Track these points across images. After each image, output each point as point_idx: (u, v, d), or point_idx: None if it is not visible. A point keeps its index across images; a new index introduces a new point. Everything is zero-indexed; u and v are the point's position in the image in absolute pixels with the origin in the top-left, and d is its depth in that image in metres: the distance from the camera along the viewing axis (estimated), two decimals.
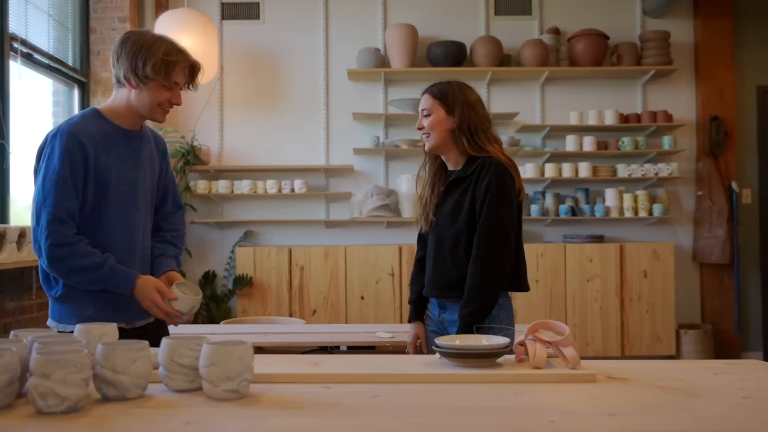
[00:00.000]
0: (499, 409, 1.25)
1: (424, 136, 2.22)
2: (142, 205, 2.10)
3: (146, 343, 1.33)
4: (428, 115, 2.19)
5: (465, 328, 2.02)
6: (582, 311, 5.06)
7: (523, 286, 2.16)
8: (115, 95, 2.08)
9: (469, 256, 2.09)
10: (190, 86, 2.12)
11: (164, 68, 1.98)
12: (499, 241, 2.05)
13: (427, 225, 2.25)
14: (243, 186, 5.20)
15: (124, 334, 2.02)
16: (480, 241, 2.05)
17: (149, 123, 2.28)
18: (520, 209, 2.14)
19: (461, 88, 2.20)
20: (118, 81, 2.04)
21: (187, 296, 2.01)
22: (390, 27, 5.29)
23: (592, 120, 5.28)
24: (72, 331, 1.91)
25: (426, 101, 2.22)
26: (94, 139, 1.99)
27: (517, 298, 4.94)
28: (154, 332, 2.12)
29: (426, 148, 2.23)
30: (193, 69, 2.09)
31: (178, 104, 2.09)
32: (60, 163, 1.93)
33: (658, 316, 5.09)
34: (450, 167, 2.22)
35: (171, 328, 2.55)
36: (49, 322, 2.05)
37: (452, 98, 2.17)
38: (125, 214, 2.05)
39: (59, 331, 2.00)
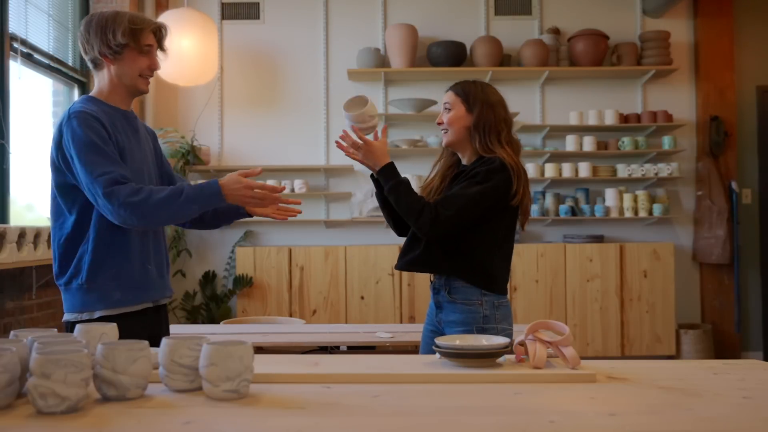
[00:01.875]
0: (499, 409, 1.25)
1: (442, 131, 2.24)
2: (148, 181, 2.10)
3: (146, 343, 1.33)
4: (449, 110, 2.22)
5: (387, 174, 2.11)
6: (582, 311, 5.07)
7: (498, 290, 2.15)
8: (98, 81, 2.10)
9: (442, 243, 2.10)
10: (162, 49, 2.16)
11: (132, 34, 2.02)
12: (448, 207, 2.04)
13: None
14: None
15: (151, 313, 2.07)
16: (438, 202, 2.06)
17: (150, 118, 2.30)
18: (516, 213, 2.14)
19: (484, 87, 2.22)
20: (95, 63, 2.06)
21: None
22: (390, 27, 5.29)
23: (592, 120, 5.28)
24: (97, 319, 1.94)
25: (448, 96, 2.24)
26: (103, 118, 2.00)
27: (517, 298, 4.94)
28: (164, 313, 2.19)
29: (443, 143, 2.26)
30: (160, 30, 2.13)
31: (157, 68, 2.12)
32: (88, 136, 1.91)
33: (658, 316, 5.09)
34: (463, 163, 2.25)
35: (175, 329, 2.55)
36: (67, 315, 2.00)
37: (473, 96, 2.18)
38: None
39: (82, 321, 1.96)
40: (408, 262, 2.18)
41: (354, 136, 2.17)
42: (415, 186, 5.07)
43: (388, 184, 2.12)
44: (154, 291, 2.08)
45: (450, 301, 2.14)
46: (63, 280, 2.00)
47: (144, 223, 1.94)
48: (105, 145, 1.93)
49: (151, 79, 2.16)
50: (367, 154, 2.16)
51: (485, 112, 2.15)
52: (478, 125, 2.15)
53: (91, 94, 2.11)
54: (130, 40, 2.02)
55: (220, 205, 2.00)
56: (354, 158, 2.18)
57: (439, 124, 2.24)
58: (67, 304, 2.02)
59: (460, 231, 2.08)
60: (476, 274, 2.11)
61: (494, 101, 2.18)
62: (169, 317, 2.29)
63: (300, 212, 2.17)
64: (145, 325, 1.99)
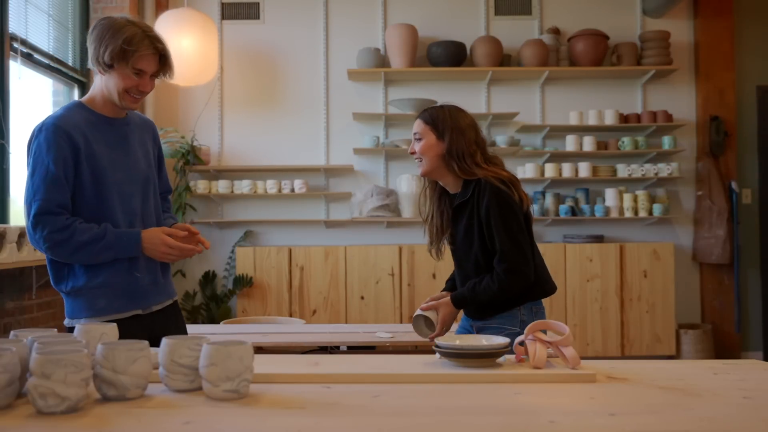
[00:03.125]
0: (499, 409, 1.25)
1: (416, 160, 2.23)
2: (138, 191, 2.09)
3: (146, 343, 1.33)
4: (420, 140, 2.20)
5: (460, 302, 2.14)
6: (582, 311, 5.07)
7: (551, 288, 2.19)
8: (94, 84, 2.09)
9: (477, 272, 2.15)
10: (165, 75, 2.09)
11: (122, 56, 1.96)
12: (519, 257, 2.07)
13: (438, 253, 2.29)
14: (243, 186, 5.20)
15: (141, 320, 2.06)
16: (500, 259, 2.07)
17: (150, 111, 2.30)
18: (528, 217, 2.15)
19: (453, 112, 2.20)
20: (93, 68, 2.05)
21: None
22: (390, 27, 5.29)
23: (592, 120, 5.28)
24: None
25: (417, 125, 2.22)
26: (81, 130, 1.98)
27: None
28: (171, 314, 2.18)
29: (420, 173, 2.24)
30: (162, 58, 2.05)
31: (147, 92, 2.06)
32: (49, 157, 1.92)
33: (658, 316, 5.09)
34: (450, 191, 2.23)
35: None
36: (66, 321, 2.06)
37: (442, 123, 2.17)
38: (123, 200, 2.05)
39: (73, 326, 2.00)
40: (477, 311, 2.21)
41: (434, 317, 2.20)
42: (415, 187, 5.08)
43: (469, 303, 2.16)
44: (144, 299, 2.07)
45: (483, 319, 2.17)
46: (57, 286, 2.05)
47: (61, 259, 1.99)
48: (63, 168, 1.93)
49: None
50: (448, 318, 2.19)
51: (456, 138, 2.14)
52: (451, 152, 2.14)
53: (82, 99, 2.11)
54: (118, 62, 1.96)
55: (137, 255, 2.03)
56: (447, 325, 2.21)
57: (412, 153, 2.22)
58: (65, 310, 2.07)
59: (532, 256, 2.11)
60: None
61: (463, 125, 2.17)
62: (182, 316, 2.29)
63: (201, 251, 2.17)
64: (132, 332, 1.91)
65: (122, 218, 2.04)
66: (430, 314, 2.17)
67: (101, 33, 1.98)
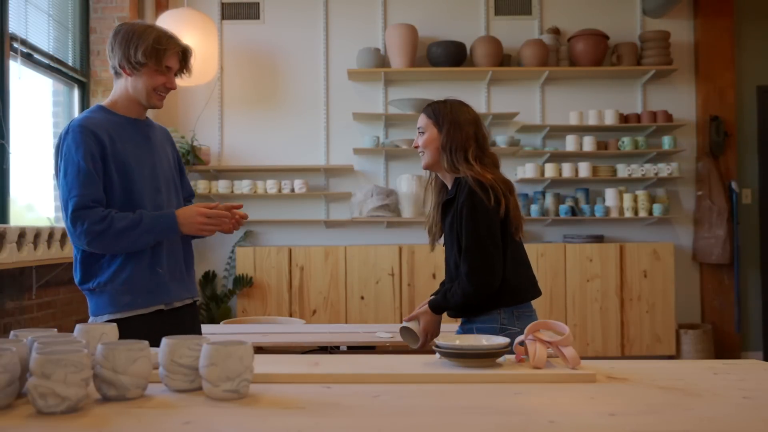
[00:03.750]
0: (499, 409, 1.25)
1: (420, 153, 2.26)
2: (164, 187, 2.17)
3: (146, 343, 1.33)
4: (423, 133, 2.23)
5: (437, 307, 2.17)
6: (582, 311, 5.07)
7: (528, 295, 2.17)
8: (115, 88, 2.15)
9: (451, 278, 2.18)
10: (184, 71, 2.19)
11: (155, 54, 2.06)
12: (482, 261, 2.06)
13: (433, 246, 2.33)
14: (243, 186, 5.20)
15: (163, 316, 2.10)
16: (463, 260, 2.09)
17: (150, 115, 2.34)
18: (506, 223, 2.11)
19: (455, 106, 2.22)
20: (116, 71, 2.12)
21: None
22: (390, 27, 5.29)
23: (592, 120, 5.28)
24: (109, 322, 2.00)
25: (421, 120, 2.26)
26: (105, 129, 2.06)
27: None
28: (191, 312, 2.22)
29: (422, 166, 2.27)
30: (185, 54, 2.16)
31: (173, 88, 2.16)
32: (78, 155, 1.99)
33: (658, 316, 5.09)
34: (448, 187, 2.25)
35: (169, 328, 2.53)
36: (90, 320, 2.10)
37: (442, 116, 2.19)
38: (151, 196, 2.11)
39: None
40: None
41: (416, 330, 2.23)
42: (415, 187, 5.09)
43: (444, 309, 2.19)
44: (166, 294, 2.12)
45: (468, 320, 2.18)
46: (84, 284, 2.09)
47: (102, 251, 2.03)
48: (93, 164, 2.00)
49: None
50: (431, 327, 2.21)
51: (452, 131, 2.16)
52: (445, 145, 2.16)
53: (104, 102, 2.17)
54: (150, 60, 2.06)
55: (176, 236, 2.09)
56: (431, 332, 2.23)
57: (416, 147, 2.26)
58: (89, 308, 2.11)
59: (501, 260, 2.10)
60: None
61: (462, 120, 2.18)
62: (198, 318, 2.32)
63: (245, 215, 2.23)
64: (155, 327, 1.99)
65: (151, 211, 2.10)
66: (411, 325, 2.19)
67: (127, 36, 2.07)
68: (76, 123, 2.04)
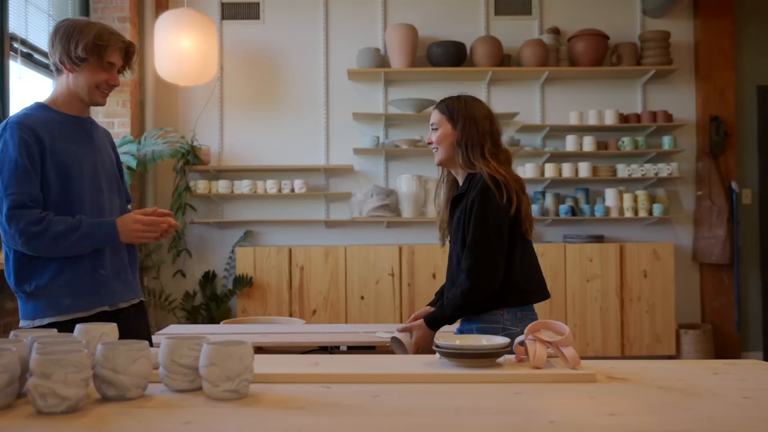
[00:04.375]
0: (499, 409, 1.25)
1: (433, 150, 2.25)
2: (105, 187, 2.13)
3: (146, 343, 1.33)
4: (436, 129, 2.22)
5: (432, 322, 2.13)
6: (582, 311, 5.07)
7: (534, 297, 2.15)
8: (56, 85, 2.12)
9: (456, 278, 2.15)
10: (126, 68, 2.15)
11: (96, 49, 2.03)
12: (485, 258, 2.05)
13: (444, 241, 2.32)
14: (243, 186, 5.20)
15: (107, 317, 2.04)
16: (465, 256, 2.07)
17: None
18: (517, 222, 2.10)
19: (469, 102, 2.22)
20: (56, 68, 2.08)
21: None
22: (390, 27, 5.29)
23: (592, 120, 5.28)
24: (48, 326, 1.96)
25: (434, 116, 2.25)
26: (46, 128, 2.01)
27: None
28: (137, 313, 2.19)
29: (436, 162, 2.26)
30: (128, 50, 2.13)
31: (116, 85, 2.13)
32: (15, 152, 1.94)
33: (658, 316, 5.09)
34: (460, 183, 2.24)
35: (175, 329, 2.54)
36: (22, 323, 2.03)
37: (457, 112, 2.19)
38: (91, 195, 2.07)
39: (34, 327, 1.99)
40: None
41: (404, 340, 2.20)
42: (415, 187, 5.09)
43: (445, 323, 2.16)
44: (110, 295, 2.08)
45: (468, 320, 2.17)
46: (18, 287, 2.02)
47: (37, 253, 1.97)
48: (30, 162, 1.95)
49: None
50: (422, 342, 2.17)
51: (468, 127, 2.15)
52: (461, 141, 2.15)
53: (44, 100, 2.12)
54: (92, 55, 2.02)
55: (114, 242, 2.05)
56: (423, 347, 2.19)
57: (429, 143, 2.25)
58: (22, 311, 2.04)
59: (502, 263, 2.08)
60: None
61: (478, 115, 2.17)
62: (147, 317, 2.30)
63: (175, 224, 2.17)
64: None
65: (91, 212, 2.05)
66: (402, 337, 2.17)
67: (68, 31, 2.03)
68: (14, 120, 1.99)
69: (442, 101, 2.26)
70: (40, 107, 2.08)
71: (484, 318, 2.11)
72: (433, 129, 2.24)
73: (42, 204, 1.97)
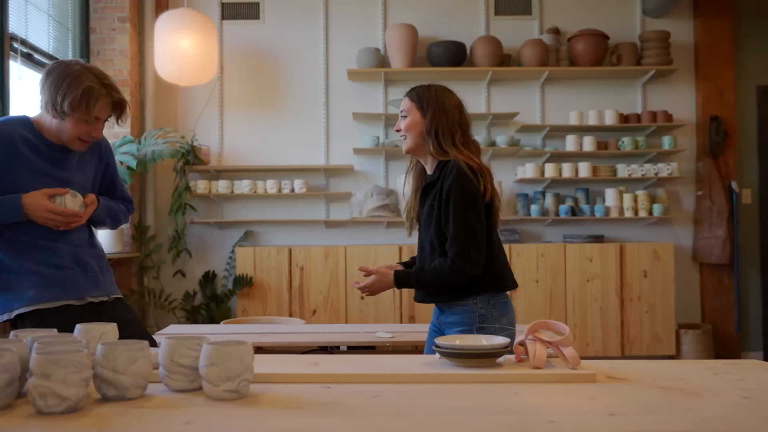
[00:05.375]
0: (499, 409, 1.25)
1: (401, 137, 2.25)
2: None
3: (146, 343, 1.33)
4: (405, 117, 2.22)
5: (402, 280, 2.13)
6: (582, 311, 5.06)
7: (508, 285, 2.17)
8: (42, 113, 2.13)
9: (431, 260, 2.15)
10: (119, 121, 2.15)
11: (83, 105, 2.02)
12: (471, 245, 2.06)
13: (410, 231, 2.31)
14: (243, 186, 5.20)
15: (74, 310, 2.10)
16: (451, 244, 2.07)
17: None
18: (490, 210, 2.13)
19: (439, 91, 2.22)
20: (44, 107, 2.09)
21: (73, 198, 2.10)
22: (390, 27, 5.29)
23: (592, 120, 5.28)
24: (15, 319, 2.04)
25: (404, 103, 2.24)
26: (15, 140, 2.05)
27: (517, 298, 4.94)
28: (110, 311, 2.20)
29: (404, 150, 2.25)
30: (117, 105, 2.11)
31: (98, 137, 2.14)
32: None
33: (658, 316, 5.09)
34: (428, 172, 2.24)
35: (175, 329, 2.54)
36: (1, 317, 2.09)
37: (427, 101, 2.18)
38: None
39: (2, 321, 2.09)
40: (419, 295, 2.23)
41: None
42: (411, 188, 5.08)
43: (412, 286, 2.16)
44: (75, 290, 2.12)
45: (447, 303, 2.16)
46: None
47: None
48: None
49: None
50: (376, 287, 2.18)
51: (438, 116, 2.15)
52: (431, 129, 2.15)
53: (33, 117, 2.14)
54: (77, 111, 2.02)
55: (20, 220, 2.06)
56: (373, 293, 2.20)
57: (398, 131, 2.24)
58: None
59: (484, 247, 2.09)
60: None
61: (448, 105, 2.18)
62: (126, 313, 2.31)
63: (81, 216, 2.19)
64: (65, 321, 1.98)
65: (43, 230, 2.09)
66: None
67: (57, 81, 2.02)
68: None
69: (412, 89, 2.25)
70: (23, 123, 2.11)
71: (458, 309, 2.12)
72: (402, 116, 2.23)
73: None
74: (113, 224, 2.35)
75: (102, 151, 2.31)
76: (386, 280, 2.16)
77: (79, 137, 2.08)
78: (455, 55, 5.22)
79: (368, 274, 2.18)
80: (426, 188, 2.20)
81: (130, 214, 2.46)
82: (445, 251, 2.11)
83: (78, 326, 1.52)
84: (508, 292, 2.18)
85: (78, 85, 2.01)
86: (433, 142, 2.14)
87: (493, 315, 2.10)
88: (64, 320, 2.00)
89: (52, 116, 2.06)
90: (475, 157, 2.14)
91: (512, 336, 2.00)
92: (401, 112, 2.24)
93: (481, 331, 2.06)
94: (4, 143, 2.03)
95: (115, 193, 2.36)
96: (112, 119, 2.16)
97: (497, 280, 2.14)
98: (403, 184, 2.38)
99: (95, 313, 2.16)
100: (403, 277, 2.14)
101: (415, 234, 2.34)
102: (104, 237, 4.49)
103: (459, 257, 2.05)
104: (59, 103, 2.01)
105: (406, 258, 5.04)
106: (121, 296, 2.31)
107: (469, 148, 2.17)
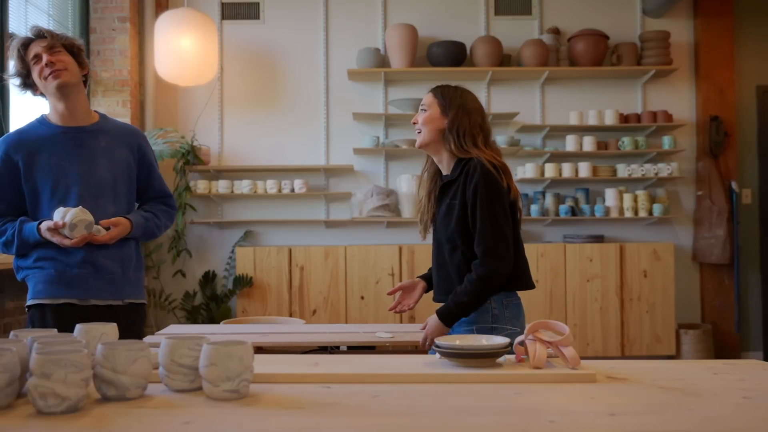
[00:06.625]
0: (499, 409, 1.25)
1: (416, 131, 2.25)
2: (91, 195, 2.21)
3: (146, 343, 1.33)
4: (425, 111, 2.23)
5: (445, 314, 2.09)
6: (582, 311, 5.06)
7: (528, 284, 2.18)
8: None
9: (468, 259, 2.13)
10: (56, 46, 2.24)
11: (18, 56, 2.24)
12: (499, 241, 2.06)
13: (425, 232, 2.30)
14: (243, 186, 5.20)
15: (74, 309, 2.16)
16: (479, 241, 2.07)
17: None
18: (514, 208, 2.15)
19: (463, 93, 2.23)
20: (33, 94, 2.32)
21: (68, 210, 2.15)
22: (390, 27, 5.29)
23: (592, 120, 5.28)
24: (29, 308, 2.20)
25: (426, 98, 2.25)
26: (34, 144, 2.21)
27: None
28: (116, 316, 2.21)
29: (416, 144, 2.26)
30: (39, 33, 2.24)
31: (54, 62, 2.21)
32: None
33: (658, 316, 5.09)
34: (443, 172, 2.25)
35: (175, 329, 2.53)
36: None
37: (450, 99, 2.19)
38: (62, 205, 2.17)
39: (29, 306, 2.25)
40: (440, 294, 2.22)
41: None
42: (415, 187, 5.08)
43: (459, 315, 2.11)
44: (78, 288, 2.19)
45: None
46: (18, 276, 2.29)
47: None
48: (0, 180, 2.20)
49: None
50: (430, 333, 2.15)
51: (460, 116, 2.16)
52: (452, 128, 2.16)
53: (46, 114, 2.32)
54: (21, 63, 2.22)
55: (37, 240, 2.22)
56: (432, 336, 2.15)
57: (414, 123, 2.25)
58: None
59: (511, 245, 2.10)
60: None
61: (471, 108, 2.19)
62: (139, 322, 2.37)
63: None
64: (66, 319, 2.06)
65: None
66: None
67: (14, 58, 2.26)
68: (4, 138, 2.25)
69: (437, 87, 2.26)
70: (38, 121, 2.29)
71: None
72: (421, 110, 2.24)
73: (11, 215, 2.20)
74: (149, 238, 2.42)
75: (131, 140, 2.36)
76: (437, 325, 2.12)
77: (44, 77, 2.21)
78: (455, 55, 5.22)
79: (394, 292, 2.22)
80: (444, 187, 2.20)
81: (174, 212, 2.49)
82: (467, 248, 2.11)
83: (78, 326, 1.52)
84: (518, 293, 2.18)
85: (11, 50, 2.23)
86: (453, 140, 2.15)
87: (506, 316, 2.11)
88: (65, 319, 2.05)
89: (35, 91, 2.26)
90: (497, 156, 2.16)
91: (515, 336, 2.00)
92: (421, 106, 2.25)
93: (491, 331, 2.06)
94: (10, 152, 2.22)
95: (153, 187, 2.41)
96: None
97: (519, 277, 2.15)
98: (418, 186, 2.38)
99: (96, 315, 2.19)
100: (445, 314, 2.11)
101: (416, 235, 2.34)
102: None
103: (487, 254, 2.05)
104: (16, 71, 2.23)
105: (406, 258, 5.05)
106: (139, 302, 2.34)
107: (491, 148, 2.18)
